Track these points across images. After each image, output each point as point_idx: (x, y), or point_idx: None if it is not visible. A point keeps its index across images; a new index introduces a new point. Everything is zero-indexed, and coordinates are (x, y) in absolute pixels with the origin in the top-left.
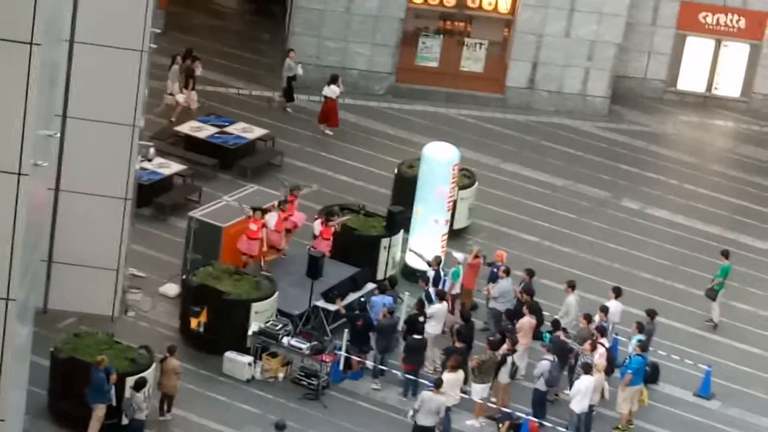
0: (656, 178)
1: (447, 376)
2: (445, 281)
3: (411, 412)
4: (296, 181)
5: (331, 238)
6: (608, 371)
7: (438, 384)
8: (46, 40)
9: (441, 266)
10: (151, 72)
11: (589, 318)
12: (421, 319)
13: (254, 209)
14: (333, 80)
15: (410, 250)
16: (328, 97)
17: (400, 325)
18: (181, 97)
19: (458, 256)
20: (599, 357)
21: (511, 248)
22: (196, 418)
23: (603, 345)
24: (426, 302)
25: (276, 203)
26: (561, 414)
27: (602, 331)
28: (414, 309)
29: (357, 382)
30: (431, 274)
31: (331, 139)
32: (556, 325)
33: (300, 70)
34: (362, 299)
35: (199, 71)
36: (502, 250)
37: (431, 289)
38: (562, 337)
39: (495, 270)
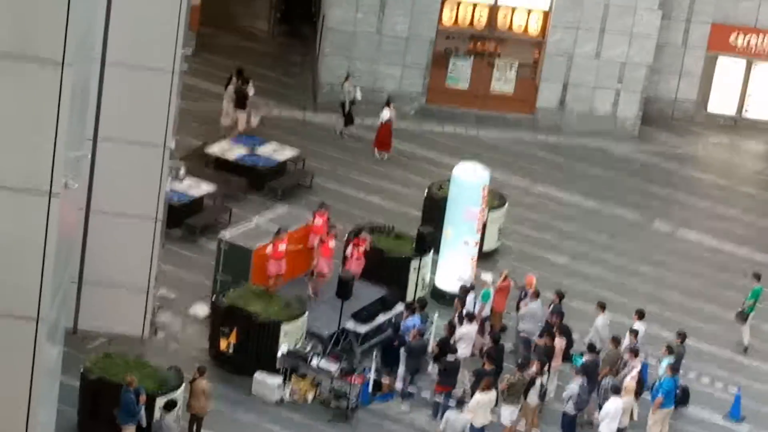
0: (687, 200)
1: (479, 397)
2: (475, 303)
3: None
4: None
5: (363, 258)
6: (637, 394)
7: (461, 403)
8: (78, 60)
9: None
10: (181, 93)
11: (617, 341)
12: (452, 341)
13: (279, 230)
14: (387, 103)
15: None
16: (383, 122)
17: (430, 347)
18: (240, 119)
19: (487, 278)
20: (630, 379)
21: (540, 270)
22: None
23: (635, 367)
24: (457, 324)
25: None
26: None
27: (635, 352)
28: (445, 331)
29: (386, 403)
30: (470, 299)
31: (361, 160)
32: (591, 348)
33: (359, 94)
34: (393, 320)
35: (251, 92)
36: (531, 274)
37: (465, 311)
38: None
39: (524, 294)
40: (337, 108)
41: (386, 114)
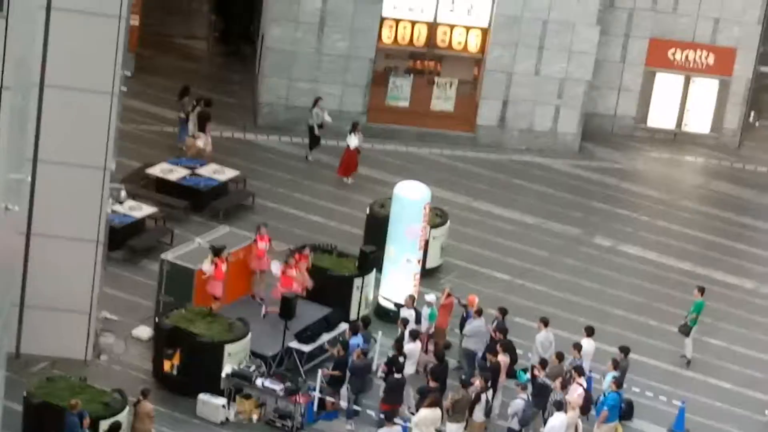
0: (628, 215)
1: (424, 413)
2: (418, 318)
3: None
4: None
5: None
6: (585, 411)
7: (389, 417)
8: (16, 84)
9: (415, 304)
10: (121, 115)
11: (561, 356)
12: (401, 359)
13: (215, 249)
14: (353, 128)
15: (383, 298)
16: (349, 147)
17: (374, 365)
18: (201, 141)
19: (430, 297)
20: (577, 395)
21: (483, 286)
22: None
23: (581, 385)
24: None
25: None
26: None
27: (579, 370)
28: (393, 349)
29: (331, 422)
30: (411, 313)
31: (303, 179)
32: (543, 364)
33: (328, 117)
34: (340, 339)
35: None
36: (473, 294)
37: (409, 329)
38: (539, 374)
39: (467, 314)
40: (303, 130)
41: (353, 141)
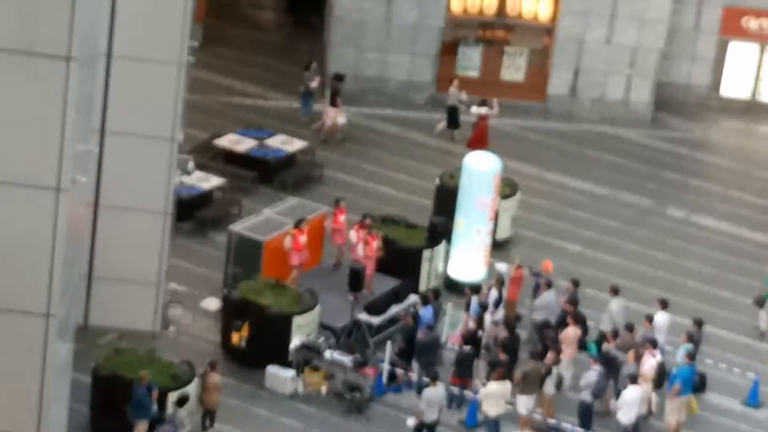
0: (701, 186)
1: (493, 386)
2: (490, 293)
3: (410, 421)
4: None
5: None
6: (659, 383)
7: (434, 377)
8: (84, 55)
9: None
10: (188, 86)
11: (631, 328)
12: (480, 332)
13: (299, 221)
14: (482, 102)
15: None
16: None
17: (444, 337)
18: (341, 117)
19: (501, 267)
20: (648, 368)
21: (554, 258)
22: None
23: (654, 356)
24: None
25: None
26: (609, 425)
27: (653, 342)
28: (472, 324)
29: (400, 395)
30: (494, 294)
31: (372, 150)
32: (615, 335)
33: (464, 96)
34: (411, 310)
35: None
36: (548, 261)
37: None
38: (611, 346)
39: (539, 281)
40: (372, 100)
41: (482, 110)
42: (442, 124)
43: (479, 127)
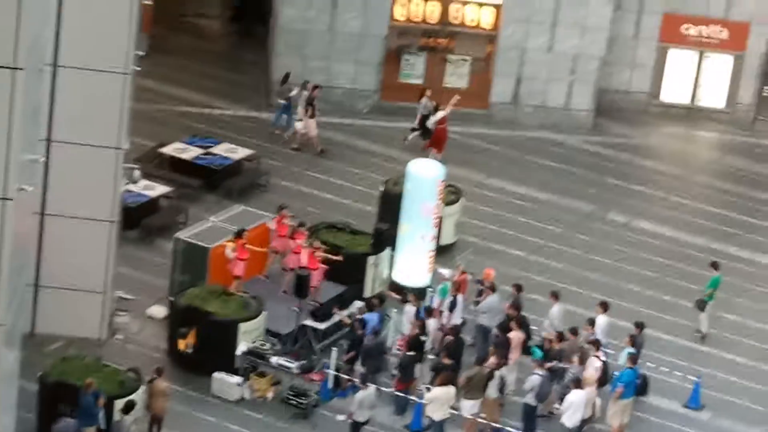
0: (642, 191)
1: (437, 391)
2: (432, 298)
3: (343, 417)
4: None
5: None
6: (602, 383)
7: (364, 380)
8: (30, 64)
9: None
10: (134, 94)
11: (575, 331)
12: (423, 338)
13: (240, 231)
14: (436, 107)
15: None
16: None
17: (389, 342)
18: (299, 125)
19: (445, 272)
20: (593, 370)
21: (498, 263)
22: None
23: (599, 358)
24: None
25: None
26: (552, 429)
27: (596, 343)
28: (414, 329)
29: (346, 400)
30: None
31: (317, 158)
32: (560, 336)
33: (436, 107)
34: (358, 316)
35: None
36: (490, 268)
37: (424, 306)
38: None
39: (481, 287)
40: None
41: (438, 115)
42: (415, 134)
43: (438, 130)
